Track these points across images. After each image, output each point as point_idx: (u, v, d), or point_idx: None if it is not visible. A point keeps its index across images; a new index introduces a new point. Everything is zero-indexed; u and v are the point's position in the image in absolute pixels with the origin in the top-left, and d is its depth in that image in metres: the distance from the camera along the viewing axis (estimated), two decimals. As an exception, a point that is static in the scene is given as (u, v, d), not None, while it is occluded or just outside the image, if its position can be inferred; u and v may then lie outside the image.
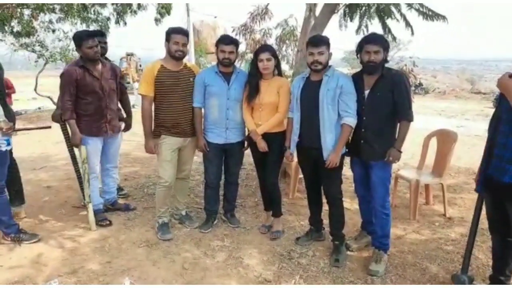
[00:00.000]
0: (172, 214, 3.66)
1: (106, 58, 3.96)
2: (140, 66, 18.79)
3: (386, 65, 2.85)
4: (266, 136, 3.17)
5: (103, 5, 10.53)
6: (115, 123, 3.56)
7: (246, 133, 3.37)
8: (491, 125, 2.40)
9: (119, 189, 4.33)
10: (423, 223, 3.76)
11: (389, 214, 2.91)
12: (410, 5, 4.31)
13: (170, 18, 12.41)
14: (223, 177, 3.56)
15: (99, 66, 3.39)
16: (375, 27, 4.63)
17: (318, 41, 2.86)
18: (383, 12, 4.38)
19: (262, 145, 3.18)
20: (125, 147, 4.73)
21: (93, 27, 10.85)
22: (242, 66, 10.33)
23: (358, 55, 2.89)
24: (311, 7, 4.98)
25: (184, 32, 3.13)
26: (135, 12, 11.45)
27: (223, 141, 3.27)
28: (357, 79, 2.90)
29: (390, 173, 2.94)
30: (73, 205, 4.06)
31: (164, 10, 11.98)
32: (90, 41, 3.24)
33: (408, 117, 2.77)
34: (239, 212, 3.90)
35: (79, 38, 3.28)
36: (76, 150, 3.43)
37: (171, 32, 3.10)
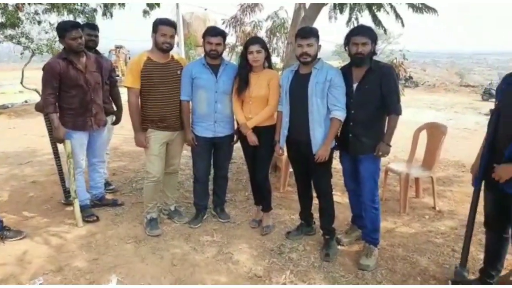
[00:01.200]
0: (161, 209, 3.60)
1: (97, 51, 3.86)
2: (129, 58, 18.72)
3: (375, 57, 2.82)
4: (256, 129, 3.12)
5: (88, -4, 10.30)
6: (100, 117, 3.47)
7: (236, 127, 3.32)
8: (491, 120, 2.36)
9: (107, 184, 4.26)
10: (413, 216, 3.76)
11: (379, 208, 2.90)
12: (401, -1, 4.28)
13: (159, 10, 12.21)
14: (212, 171, 3.51)
15: (83, 59, 3.29)
16: (365, 19, 4.59)
17: (307, 33, 2.81)
18: (373, 4, 4.34)
19: (253, 139, 3.13)
20: (113, 140, 4.64)
21: (80, 19, 10.62)
22: (232, 59, 10.22)
23: (346, 48, 2.85)
24: (301, 0, 4.91)
25: (171, 24, 3.05)
26: (123, 4, 11.24)
27: (212, 134, 3.22)
28: (345, 72, 2.86)
29: (379, 167, 2.93)
30: (59, 201, 3.98)
31: (153, 2, 11.76)
32: (74, 32, 3.14)
33: (397, 111, 2.75)
34: (229, 207, 3.86)
35: (63, 29, 3.17)
36: (61, 144, 3.35)
37: (158, 23, 3.01)
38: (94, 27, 3.78)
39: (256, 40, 3.09)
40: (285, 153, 3.23)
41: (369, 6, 4.28)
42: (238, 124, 3.24)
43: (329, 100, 2.81)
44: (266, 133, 3.15)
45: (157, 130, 3.14)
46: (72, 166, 3.31)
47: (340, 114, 2.79)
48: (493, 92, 19.35)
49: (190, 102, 3.23)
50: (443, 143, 3.83)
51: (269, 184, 3.34)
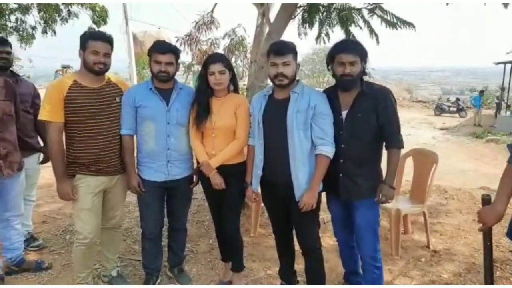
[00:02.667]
0: (100, 275, 2.78)
1: (13, 73, 3.05)
2: None
3: (380, 79, 2.29)
4: (222, 169, 2.46)
5: (24, 12, 9.20)
6: (13, 159, 2.63)
7: (196, 165, 2.63)
8: None
9: (32, 239, 3.34)
10: (407, 259, 3.23)
11: (381, 267, 2.32)
12: (372, 11, 3.88)
13: (106, 27, 11.30)
14: (166, 221, 2.76)
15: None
16: (337, 35, 4.13)
17: (283, 49, 2.23)
18: (345, 18, 3.89)
19: (218, 182, 2.45)
20: (46, 175, 3.76)
21: (14, 36, 9.47)
22: (190, 80, 9.50)
23: (329, 67, 2.30)
24: (264, 12, 4.38)
25: (105, 38, 2.33)
26: (65, 20, 10.23)
27: (164, 178, 2.49)
28: (331, 96, 2.30)
29: (379, 213, 2.36)
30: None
31: (100, 18, 10.87)
32: None
33: (398, 144, 2.22)
34: (189, 262, 3.11)
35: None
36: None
37: (88, 38, 2.30)
38: (4, 42, 2.95)
39: (218, 57, 2.45)
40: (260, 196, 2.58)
41: (342, 21, 3.82)
42: (198, 162, 2.55)
43: (313, 132, 2.23)
44: (234, 173, 2.49)
45: (89, 175, 2.37)
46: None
47: (328, 149, 2.21)
48: (445, 107, 20.40)
49: (135, 137, 2.50)
50: (435, 173, 3.37)
51: (240, 237, 2.64)
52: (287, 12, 3.78)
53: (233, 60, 9.82)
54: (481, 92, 18.84)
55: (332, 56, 2.24)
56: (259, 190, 2.47)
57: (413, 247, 3.46)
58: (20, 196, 2.81)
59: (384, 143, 2.28)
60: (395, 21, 3.89)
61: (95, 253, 2.58)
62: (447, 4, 4.00)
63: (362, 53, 2.20)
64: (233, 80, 2.51)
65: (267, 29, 4.17)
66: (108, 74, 2.46)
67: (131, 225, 3.82)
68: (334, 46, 2.26)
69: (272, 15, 4.07)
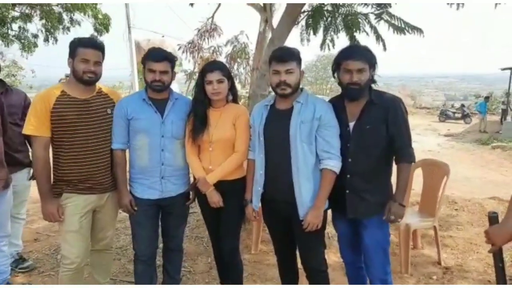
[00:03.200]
0: (90, 298, 2.60)
1: (2, 82, 2.92)
2: None
3: (384, 86, 2.13)
4: (220, 185, 2.29)
5: (26, 20, 9.14)
6: (-2, 175, 2.47)
7: (192, 181, 2.46)
8: None
9: (20, 260, 3.17)
10: (418, 278, 3.03)
11: (394, 291, 2.13)
12: (379, 16, 3.73)
13: (109, 35, 11.25)
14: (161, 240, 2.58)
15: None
16: (342, 41, 3.98)
17: (286, 55, 2.07)
18: (350, 24, 3.74)
19: (215, 199, 2.28)
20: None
21: (15, 45, 9.42)
22: (191, 89, 9.35)
23: (335, 75, 2.14)
24: (267, 19, 4.26)
25: (96, 46, 2.19)
26: (67, 28, 10.19)
27: (158, 195, 2.32)
28: (337, 106, 2.14)
29: (389, 232, 2.18)
30: None
31: (102, 26, 10.82)
32: None
33: (410, 157, 2.05)
34: (186, 283, 2.93)
35: None
36: None
37: (78, 45, 2.15)
38: None
39: (216, 65, 2.30)
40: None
41: (347, 27, 3.67)
42: (194, 178, 2.38)
43: (318, 145, 2.06)
44: (234, 189, 2.32)
45: (77, 194, 2.20)
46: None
47: (334, 163, 2.04)
48: (449, 113, 20.16)
49: (127, 151, 2.34)
50: (445, 186, 3.18)
51: (240, 259, 2.46)
52: (291, 17, 3.64)
53: (235, 67, 9.67)
54: (487, 98, 18.60)
55: (338, 63, 2.09)
56: (260, 208, 2.30)
57: (423, 263, 3.26)
58: (6, 215, 2.63)
59: (394, 157, 2.11)
60: (402, 26, 3.74)
61: (82, 279, 2.40)
62: (451, 5, 3.80)
63: (370, 60, 2.04)
64: (232, 89, 2.35)
65: (269, 35, 4.04)
66: (100, 84, 2.31)
67: (126, 243, 3.63)
68: (340, 52, 2.11)
69: (275, 21, 3.94)
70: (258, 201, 2.24)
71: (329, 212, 2.25)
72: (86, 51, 2.14)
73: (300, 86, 2.16)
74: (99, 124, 2.23)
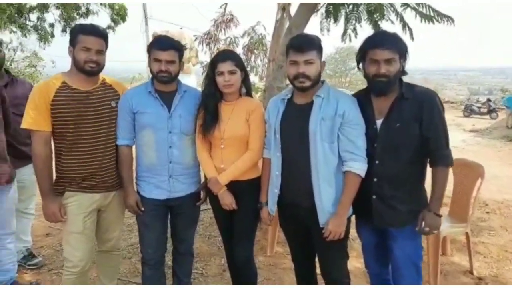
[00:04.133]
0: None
1: (7, 72, 2.82)
2: None
3: (406, 79, 1.89)
4: (233, 186, 2.10)
5: (43, 10, 9.15)
6: (1, 170, 2.35)
7: (203, 180, 2.29)
8: None
9: (30, 256, 3.08)
10: (448, 289, 2.79)
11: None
12: (405, 4, 3.43)
13: (126, 26, 11.20)
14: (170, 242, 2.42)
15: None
16: (365, 31, 3.70)
17: (305, 44, 1.85)
18: (375, 11, 3.46)
19: (228, 201, 2.10)
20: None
21: (33, 35, 9.47)
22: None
23: (360, 66, 1.91)
24: (284, 7, 4.01)
25: (98, 33, 2.01)
26: (85, 17, 10.18)
27: (166, 195, 2.16)
28: (362, 102, 1.91)
29: (421, 244, 1.95)
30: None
31: (119, 17, 10.78)
32: None
33: (447, 160, 1.81)
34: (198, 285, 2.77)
35: None
36: None
37: (79, 32, 1.99)
38: None
39: (228, 55, 2.10)
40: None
41: (370, 13, 3.39)
42: (205, 176, 2.21)
43: (341, 144, 1.84)
44: (247, 191, 2.14)
45: (80, 192, 2.06)
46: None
47: (359, 166, 1.82)
48: (474, 108, 19.33)
49: (133, 148, 2.18)
50: (480, 188, 2.91)
51: (254, 267, 2.27)
52: (310, 4, 3.38)
53: (252, 59, 9.40)
54: (516, 92, 17.71)
55: (364, 53, 1.85)
56: (276, 211, 2.10)
57: (454, 273, 3.00)
58: (10, 212, 2.53)
59: (428, 159, 1.87)
60: (431, 14, 3.43)
61: (88, 282, 2.26)
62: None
63: (401, 48, 1.80)
64: (246, 81, 2.15)
65: (287, 24, 3.80)
66: (103, 74, 2.14)
67: (137, 240, 3.45)
68: (366, 40, 1.87)
69: (293, 9, 3.70)
70: (274, 205, 2.05)
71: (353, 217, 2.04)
72: (87, 38, 1.97)
73: (321, 78, 1.93)
74: (103, 118, 2.07)
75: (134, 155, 2.20)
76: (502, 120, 16.66)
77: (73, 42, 1.99)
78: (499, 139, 12.71)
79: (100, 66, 2.03)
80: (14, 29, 8.96)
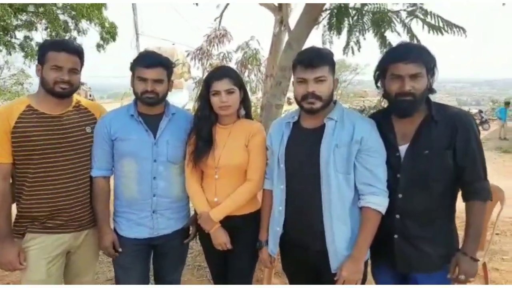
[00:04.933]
0: None
1: None
2: (90, 96, 17.94)
3: (435, 98, 1.63)
4: (228, 221, 1.80)
5: (30, 28, 8.88)
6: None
7: (192, 214, 1.98)
8: None
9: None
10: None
11: None
12: (411, 14, 3.22)
13: (116, 44, 10.94)
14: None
15: None
16: (368, 44, 3.47)
17: (315, 59, 1.57)
18: (380, 21, 3.23)
19: (221, 240, 1.80)
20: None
21: (17, 53, 9.17)
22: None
23: (379, 83, 1.64)
24: (282, 19, 3.78)
25: (71, 49, 1.72)
26: (74, 38, 9.93)
27: (148, 233, 1.84)
28: (382, 124, 1.63)
29: (452, 293, 1.65)
30: None
31: (109, 35, 10.53)
32: None
33: (485, 194, 1.53)
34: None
35: None
36: None
37: (48, 48, 1.70)
38: None
39: (224, 72, 1.81)
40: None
41: (376, 24, 3.15)
42: (196, 212, 1.90)
43: (358, 176, 1.56)
44: (244, 227, 1.83)
45: (44, 234, 1.73)
46: None
47: (379, 201, 1.54)
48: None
49: (111, 179, 1.87)
50: (499, 215, 2.65)
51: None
52: (311, 16, 3.14)
53: (246, 75, 9.20)
54: (507, 103, 17.68)
55: (384, 68, 1.58)
56: (278, 252, 1.79)
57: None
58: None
59: (459, 192, 1.60)
60: (440, 24, 3.22)
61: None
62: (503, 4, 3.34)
63: (428, 62, 1.54)
64: (245, 101, 1.86)
65: (285, 38, 3.56)
66: (77, 96, 1.84)
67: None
68: (387, 53, 1.62)
69: (292, 21, 3.46)
70: (276, 245, 1.74)
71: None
72: (58, 55, 1.67)
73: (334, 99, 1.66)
74: (75, 146, 1.76)
75: (112, 188, 1.88)
76: (495, 131, 16.66)
77: (41, 60, 1.70)
78: (492, 151, 12.61)
79: (73, 87, 1.73)
80: (0, 47, 8.68)
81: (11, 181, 1.75)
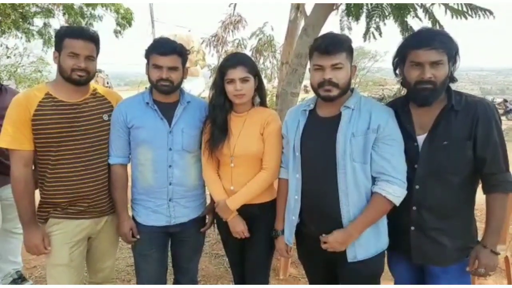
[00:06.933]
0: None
1: None
2: (108, 83, 17.97)
3: (455, 86, 1.57)
4: (245, 210, 1.81)
5: (48, 15, 8.99)
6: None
7: (209, 203, 1.99)
8: None
9: (19, 279, 2.81)
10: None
11: None
12: (433, -1, 3.10)
13: (132, 30, 10.99)
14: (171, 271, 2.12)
15: None
16: (389, 29, 3.37)
17: (332, 45, 1.53)
18: (401, 8, 3.13)
19: (238, 228, 1.81)
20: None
21: (36, 40, 9.32)
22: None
23: (397, 71, 1.59)
24: (298, 5, 3.70)
25: (88, 36, 1.73)
26: (90, 24, 10.01)
27: (165, 221, 1.86)
28: (400, 113, 1.59)
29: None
30: None
31: (124, 21, 10.56)
32: None
33: (506, 185, 1.49)
34: (203, 317, 2.48)
35: None
36: None
37: (65, 35, 1.71)
38: None
39: (239, 59, 1.78)
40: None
41: (398, 9, 3.05)
42: (212, 200, 1.91)
43: (374, 165, 1.53)
44: (261, 216, 1.84)
45: (67, 219, 1.78)
46: None
47: (393, 190, 1.51)
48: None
49: (128, 167, 1.89)
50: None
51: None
52: (328, 1, 3.07)
53: (261, 61, 9.13)
54: (533, 92, 17.09)
55: (404, 54, 1.53)
56: (294, 242, 1.79)
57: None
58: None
59: (480, 184, 1.55)
60: (464, 9, 3.09)
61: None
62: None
63: (450, 49, 1.48)
64: (260, 89, 1.84)
65: (301, 24, 3.49)
66: (94, 83, 1.86)
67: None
68: (407, 39, 1.56)
69: (309, 7, 3.39)
70: (292, 235, 1.74)
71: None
72: (75, 42, 1.69)
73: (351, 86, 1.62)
74: (93, 134, 1.78)
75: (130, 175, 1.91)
76: (520, 121, 16.13)
77: (58, 47, 1.72)
78: (517, 142, 12.21)
79: (90, 75, 1.75)
80: (19, 34, 8.83)
81: (33, 168, 1.80)
